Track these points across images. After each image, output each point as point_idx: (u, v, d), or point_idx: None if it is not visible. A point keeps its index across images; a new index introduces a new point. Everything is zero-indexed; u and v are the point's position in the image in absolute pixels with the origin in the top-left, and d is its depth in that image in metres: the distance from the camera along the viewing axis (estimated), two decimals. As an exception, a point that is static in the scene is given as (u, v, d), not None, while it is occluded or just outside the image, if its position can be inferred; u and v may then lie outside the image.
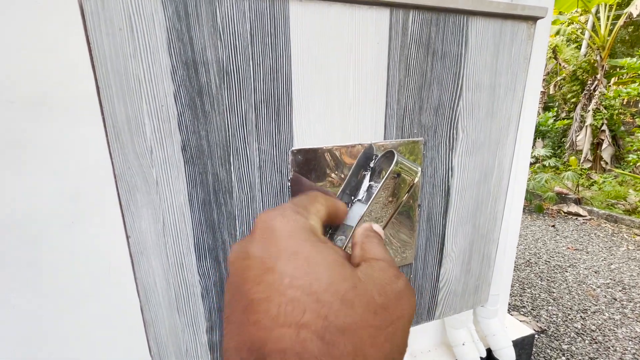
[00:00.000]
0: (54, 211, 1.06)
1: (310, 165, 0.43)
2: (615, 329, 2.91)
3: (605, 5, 5.66)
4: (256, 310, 0.20)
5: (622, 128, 6.06)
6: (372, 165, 0.45)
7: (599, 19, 5.91)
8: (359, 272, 0.23)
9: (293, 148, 0.42)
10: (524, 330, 2.04)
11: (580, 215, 5.12)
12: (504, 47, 0.49)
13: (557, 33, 6.14)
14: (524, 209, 5.53)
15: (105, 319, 1.20)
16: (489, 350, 1.82)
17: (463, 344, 1.71)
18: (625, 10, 5.61)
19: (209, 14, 0.34)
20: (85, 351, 1.21)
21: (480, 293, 0.63)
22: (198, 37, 0.35)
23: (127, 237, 0.38)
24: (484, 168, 0.55)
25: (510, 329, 2.04)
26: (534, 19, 0.50)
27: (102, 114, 0.34)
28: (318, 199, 0.29)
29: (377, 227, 0.31)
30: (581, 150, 6.19)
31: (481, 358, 1.74)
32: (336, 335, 0.19)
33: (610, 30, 5.77)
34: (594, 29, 6.18)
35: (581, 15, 6.95)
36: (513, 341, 1.87)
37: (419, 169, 0.43)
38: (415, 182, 0.43)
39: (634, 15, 5.25)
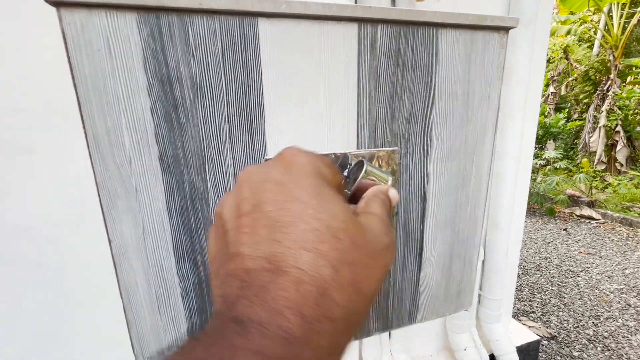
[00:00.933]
0: (61, 215, 1.11)
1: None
2: (629, 336, 2.83)
3: (618, 4, 5.54)
4: (280, 230, 0.23)
5: (638, 129, 5.90)
6: (345, 173, 0.47)
7: (611, 17, 5.78)
8: (362, 221, 0.27)
9: (267, 157, 0.44)
10: (529, 336, 2.00)
11: (594, 219, 4.99)
12: (476, 56, 0.51)
13: (568, 33, 6.03)
14: (534, 212, 5.43)
15: (110, 319, 1.24)
16: (492, 356, 1.80)
17: (465, 349, 1.69)
18: (639, 9, 5.48)
19: (181, 34, 0.37)
20: (91, 349, 1.25)
21: (463, 297, 0.64)
22: (172, 55, 0.37)
23: (110, 241, 0.41)
24: (461, 174, 0.56)
25: (515, 334, 2.00)
26: (505, 29, 0.51)
27: (84, 127, 0.37)
28: (338, 173, 0.32)
29: (393, 193, 0.34)
30: (595, 152, 6.04)
31: (484, 363, 1.72)
32: (344, 266, 0.23)
33: (624, 29, 5.64)
34: (606, 28, 6.05)
35: (594, 14, 6.81)
36: (517, 347, 1.84)
37: (390, 177, 0.45)
38: None
39: (648, 14, 5.13)
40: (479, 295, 1.80)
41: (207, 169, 0.41)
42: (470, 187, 0.57)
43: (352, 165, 0.47)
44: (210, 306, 0.47)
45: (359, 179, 0.42)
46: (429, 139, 0.52)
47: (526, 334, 2.02)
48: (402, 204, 0.54)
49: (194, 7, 0.36)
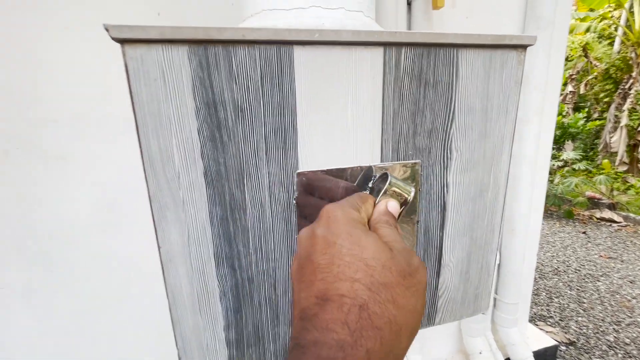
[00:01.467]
0: (92, 219, 1.18)
1: (313, 186, 0.49)
2: (652, 343, 2.76)
3: (641, -1, 5.37)
4: (322, 271, 0.30)
5: (663, 128, 5.70)
6: (370, 185, 0.50)
7: (632, 13, 5.61)
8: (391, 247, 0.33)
9: (298, 170, 0.48)
10: (547, 341, 1.98)
11: (615, 222, 4.85)
12: (495, 73, 0.53)
13: (587, 30, 5.88)
14: (551, 214, 5.33)
15: (134, 321, 1.30)
16: (508, 360, 1.80)
17: (480, 353, 1.70)
18: (663, 5, 5.30)
19: (226, 63, 0.42)
20: (116, 349, 1.32)
21: (480, 300, 0.67)
22: (217, 82, 0.42)
23: (159, 248, 0.45)
24: (479, 184, 0.58)
25: (532, 339, 1.99)
26: (523, 47, 0.53)
27: (140, 146, 0.42)
28: (368, 200, 0.41)
29: (391, 205, 0.41)
30: (616, 153, 5.87)
31: (500, 367, 1.72)
32: (379, 287, 0.28)
33: (647, 26, 5.46)
34: (627, 24, 5.87)
35: (614, 10, 6.61)
36: (535, 352, 1.83)
37: (413, 188, 0.48)
38: (409, 199, 0.47)
39: (673, 10, 4.95)
40: (495, 299, 1.80)
41: (245, 182, 0.45)
42: (488, 197, 0.60)
43: (377, 177, 0.51)
44: (244, 305, 0.51)
45: (382, 190, 0.45)
46: (449, 152, 0.55)
47: (543, 339, 2.00)
48: (422, 212, 0.57)
49: (238, 38, 0.40)
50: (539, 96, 1.43)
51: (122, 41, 0.37)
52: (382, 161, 0.52)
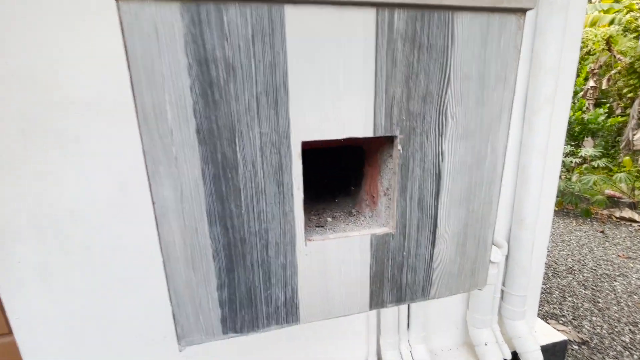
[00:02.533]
0: (106, 202, 1.21)
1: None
2: (670, 345, 2.66)
3: (670, -10, 5.11)
4: None
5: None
6: None
7: (661, 5, 5.35)
8: None
9: (290, 132, 0.48)
10: (556, 336, 1.94)
11: (635, 221, 4.68)
12: (492, 38, 0.52)
13: (612, 22, 5.65)
14: (568, 212, 5.18)
15: (148, 302, 1.34)
16: (514, 354, 1.76)
17: (486, 344, 1.67)
18: (694, -5, 5.04)
19: (218, 20, 0.42)
20: (130, 332, 1.36)
21: (477, 276, 0.66)
22: (209, 39, 0.43)
23: (153, 203, 0.47)
24: (476, 154, 0.58)
25: (540, 334, 1.95)
26: (522, 11, 0.52)
27: (135, 102, 0.43)
28: None
29: None
30: (639, 151, 5.64)
31: (506, 360, 1.69)
32: None
33: (676, 18, 5.20)
34: (655, 17, 5.60)
35: (642, 2, 6.32)
36: (543, 347, 1.79)
37: None
38: None
39: None
40: (502, 291, 1.77)
41: (236, 141, 0.46)
42: (485, 167, 0.59)
43: None
44: (237, 266, 0.52)
45: None
46: (444, 118, 0.54)
47: (552, 334, 1.96)
48: (416, 180, 0.57)
49: None
50: (551, 83, 1.39)
51: (117, -5, 0.39)
52: (375, 126, 0.52)
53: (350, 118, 0.51)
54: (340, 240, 0.57)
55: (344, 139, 0.52)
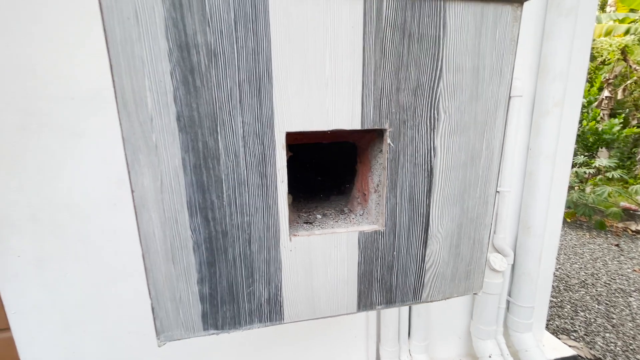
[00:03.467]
0: (102, 194, 1.22)
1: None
2: (688, 365, 2.53)
3: (688, -1, 5.00)
4: None
5: None
6: None
7: (679, 14, 5.24)
8: None
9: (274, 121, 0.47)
10: (565, 350, 1.86)
11: (652, 235, 4.51)
12: (487, 29, 0.50)
13: (627, 32, 5.54)
14: (581, 225, 5.03)
15: (142, 292, 1.34)
16: (521, 368, 1.69)
17: (490, 357, 1.61)
18: None
19: (199, 4, 0.41)
20: (121, 320, 1.36)
21: (472, 279, 0.63)
22: (190, 24, 0.42)
23: (132, 192, 0.46)
24: (471, 150, 0.55)
25: (548, 347, 1.87)
26: (519, 1, 0.50)
27: (114, 87, 0.42)
28: None
29: None
30: (656, 162, 5.47)
31: (511, 374, 1.63)
32: None
33: (695, 27, 5.08)
34: (673, 26, 5.47)
35: (659, 11, 6.19)
36: (551, 361, 1.71)
37: None
38: None
39: None
40: (508, 302, 1.71)
41: (218, 130, 0.45)
42: (480, 164, 0.56)
43: None
44: (218, 260, 0.51)
45: None
46: (436, 112, 0.52)
47: (561, 348, 1.88)
48: (407, 176, 0.55)
49: None
50: (560, 86, 1.35)
51: (96, -23, 0.38)
52: (363, 118, 0.51)
53: (337, 109, 0.49)
54: (327, 236, 0.55)
55: (330, 131, 0.50)
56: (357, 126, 0.51)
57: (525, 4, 1.34)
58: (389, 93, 0.50)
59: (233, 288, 0.53)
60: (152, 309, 0.51)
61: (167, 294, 0.51)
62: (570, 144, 1.58)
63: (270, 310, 0.55)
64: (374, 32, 0.47)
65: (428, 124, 0.53)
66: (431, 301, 0.62)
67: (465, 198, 0.58)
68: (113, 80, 0.42)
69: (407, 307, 1.59)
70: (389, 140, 0.52)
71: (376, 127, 0.52)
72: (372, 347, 1.65)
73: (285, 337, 1.52)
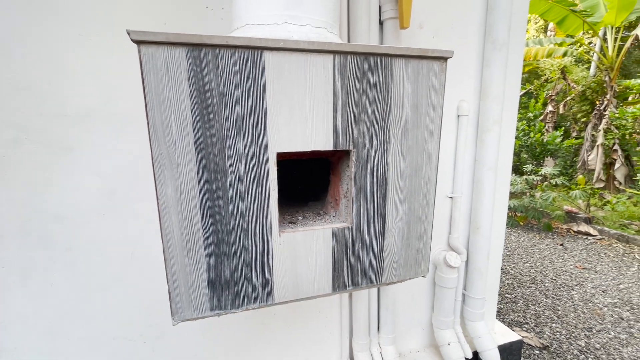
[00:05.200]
0: (92, 205, 1.30)
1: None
2: (620, 348, 2.89)
3: (612, 27, 5.78)
4: None
5: (638, 148, 6.01)
6: None
7: (606, 41, 6.02)
8: None
9: (269, 146, 0.63)
10: (512, 336, 2.11)
11: (591, 235, 5.06)
12: (422, 77, 0.70)
13: (565, 54, 6.27)
14: (532, 227, 5.52)
15: (128, 302, 1.40)
16: (475, 354, 1.91)
17: (449, 344, 1.81)
18: (633, 33, 5.71)
19: (214, 60, 0.57)
20: (109, 327, 1.41)
21: (420, 264, 0.81)
22: (206, 74, 0.57)
23: (158, 200, 0.59)
24: (414, 165, 0.74)
25: (498, 334, 2.12)
26: (444, 58, 0.70)
27: (147, 119, 0.56)
28: None
29: None
30: (593, 170, 6.16)
31: (466, 359, 1.84)
32: None
33: (619, 52, 5.85)
34: (602, 50, 6.27)
35: (592, 36, 7.05)
36: (500, 346, 1.95)
37: None
38: None
39: (640, 38, 5.35)
40: (463, 295, 1.93)
41: (225, 152, 0.60)
42: (422, 175, 0.75)
43: None
44: (223, 252, 0.65)
45: None
46: (387, 137, 0.71)
47: (509, 334, 2.13)
48: (368, 185, 0.72)
49: (223, 43, 0.56)
50: (497, 107, 1.61)
51: (139, 42, 0.53)
52: (334, 142, 0.67)
53: (314, 135, 0.66)
54: (307, 232, 0.71)
55: (310, 151, 0.66)
56: (330, 147, 0.67)
57: (468, 38, 1.60)
58: (352, 123, 0.68)
59: (234, 275, 0.67)
60: (169, 293, 0.63)
61: (182, 281, 0.64)
62: (509, 155, 1.85)
63: (264, 293, 0.70)
64: (341, 80, 0.65)
65: (382, 146, 0.71)
66: (389, 283, 0.79)
67: (412, 201, 0.76)
68: (147, 114, 0.56)
69: (376, 303, 1.76)
70: (353, 158, 0.69)
71: (344, 148, 0.69)
72: (346, 342, 1.80)
73: (264, 336, 1.64)
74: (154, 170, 0.57)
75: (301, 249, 0.71)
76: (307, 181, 1.05)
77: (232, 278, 0.67)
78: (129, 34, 0.50)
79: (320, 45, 0.60)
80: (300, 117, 0.64)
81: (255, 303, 0.70)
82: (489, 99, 1.62)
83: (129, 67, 1.22)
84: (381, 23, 1.47)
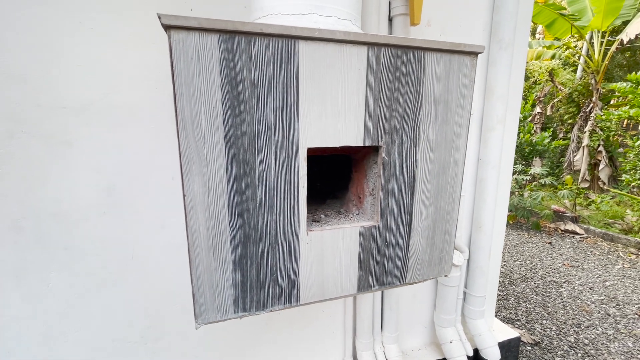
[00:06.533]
0: (91, 202, 1.24)
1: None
2: (608, 343, 2.98)
3: (598, 32, 5.94)
4: None
5: (621, 149, 6.21)
6: None
7: (592, 44, 6.18)
8: None
9: (299, 141, 0.60)
10: (510, 333, 2.14)
11: (577, 234, 5.20)
12: (453, 73, 0.68)
13: (553, 57, 6.41)
14: (521, 226, 5.63)
15: (125, 302, 1.35)
16: (476, 351, 1.93)
17: (451, 342, 1.82)
18: (618, 37, 5.88)
19: (247, 49, 0.54)
20: (107, 328, 1.36)
21: (444, 263, 0.80)
22: (239, 64, 0.54)
23: (184, 196, 0.56)
24: (442, 162, 0.72)
25: (497, 332, 2.14)
26: (475, 54, 0.69)
27: (176, 111, 0.53)
28: None
29: None
30: (579, 170, 6.33)
31: (468, 357, 1.85)
32: None
33: (604, 55, 6.02)
34: (588, 54, 6.45)
35: (578, 40, 7.24)
36: (499, 343, 1.97)
37: None
38: None
39: (625, 42, 5.52)
40: (464, 293, 1.95)
41: (255, 146, 0.57)
42: (449, 173, 0.73)
43: None
44: (250, 251, 0.62)
45: None
46: (417, 133, 0.69)
47: (507, 331, 2.16)
48: (396, 182, 0.70)
49: (256, 31, 0.53)
50: (502, 106, 1.62)
51: (169, 27, 0.49)
52: (364, 137, 0.65)
53: (345, 130, 0.63)
54: (335, 231, 0.68)
55: (340, 147, 0.64)
56: (360, 143, 0.65)
57: (474, 37, 1.60)
58: (384, 118, 0.65)
59: (260, 275, 0.64)
60: (193, 295, 0.60)
61: (207, 282, 0.61)
62: (511, 154, 1.87)
63: (289, 294, 0.67)
64: (374, 73, 0.62)
65: (412, 142, 0.69)
66: (413, 283, 0.77)
67: (439, 199, 0.74)
68: (175, 105, 0.53)
69: (380, 302, 1.75)
70: (383, 155, 0.67)
71: (374, 144, 0.67)
72: (349, 341, 1.79)
73: (267, 335, 1.61)
74: (181, 166, 0.54)
75: (328, 248, 0.69)
76: (325, 178, 1.02)
77: (257, 279, 0.64)
78: (159, 17, 0.46)
79: (356, 36, 0.58)
80: (332, 111, 0.61)
81: (281, 304, 0.67)
82: (493, 97, 1.63)
83: (131, 58, 1.16)
84: (390, 19, 1.45)
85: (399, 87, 0.64)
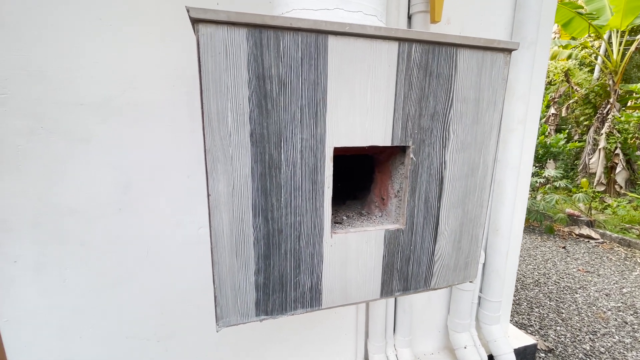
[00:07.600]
0: (108, 199, 1.24)
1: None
2: (625, 352, 2.89)
3: (617, 31, 5.78)
4: None
5: (638, 152, 6.04)
6: None
7: (611, 44, 6.02)
8: None
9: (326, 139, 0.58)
10: (527, 339, 2.09)
11: (593, 238, 5.08)
12: (486, 70, 0.65)
13: (569, 57, 6.27)
14: (534, 229, 5.52)
15: (141, 297, 1.35)
16: (490, 357, 1.89)
17: (465, 347, 1.78)
18: (637, 37, 5.71)
19: (275, 45, 0.52)
20: (121, 325, 1.36)
21: (470, 269, 0.77)
22: (267, 59, 0.52)
23: (208, 196, 0.54)
24: (471, 164, 0.69)
25: (513, 338, 2.09)
26: (509, 50, 0.65)
27: (202, 107, 0.51)
28: None
29: None
30: (594, 173, 6.18)
31: (483, 363, 1.81)
32: None
33: (623, 56, 5.86)
34: (606, 54, 6.28)
35: (595, 40, 7.06)
36: (515, 350, 1.92)
37: None
38: None
39: (646, 43, 5.36)
40: (479, 297, 1.90)
41: (282, 145, 0.55)
42: (478, 175, 0.71)
43: None
44: (273, 253, 0.60)
45: None
46: (447, 133, 0.66)
47: (523, 338, 2.11)
48: (424, 184, 0.67)
49: (286, 25, 0.51)
50: (522, 106, 1.58)
51: (197, 20, 0.47)
52: (393, 137, 0.63)
53: (373, 129, 0.61)
54: (359, 233, 0.66)
55: (367, 147, 0.62)
56: (388, 143, 0.63)
57: (495, 35, 1.55)
58: (413, 117, 0.63)
59: (283, 278, 0.62)
60: (215, 297, 0.59)
61: (229, 284, 0.59)
62: (530, 156, 1.82)
63: (312, 298, 0.65)
64: (404, 70, 0.60)
65: (441, 142, 0.66)
66: (437, 288, 0.75)
67: (466, 202, 0.71)
68: (202, 102, 0.51)
69: (393, 305, 1.72)
70: (411, 155, 0.65)
71: (402, 144, 0.64)
72: (361, 343, 1.77)
73: (278, 334, 1.59)
74: (206, 164, 0.52)
75: (352, 251, 0.67)
76: (345, 178, 1.00)
77: (280, 281, 0.62)
78: (188, 10, 0.45)
79: (387, 32, 0.55)
80: (361, 110, 0.59)
81: (303, 308, 0.65)
82: (514, 98, 1.58)
83: (149, 55, 1.16)
84: (409, 17, 1.42)
85: (429, 85, 0.62)
